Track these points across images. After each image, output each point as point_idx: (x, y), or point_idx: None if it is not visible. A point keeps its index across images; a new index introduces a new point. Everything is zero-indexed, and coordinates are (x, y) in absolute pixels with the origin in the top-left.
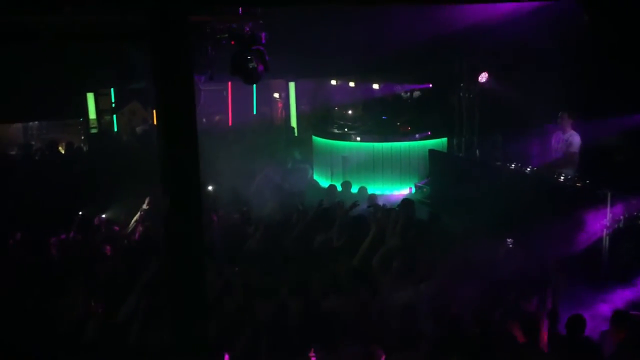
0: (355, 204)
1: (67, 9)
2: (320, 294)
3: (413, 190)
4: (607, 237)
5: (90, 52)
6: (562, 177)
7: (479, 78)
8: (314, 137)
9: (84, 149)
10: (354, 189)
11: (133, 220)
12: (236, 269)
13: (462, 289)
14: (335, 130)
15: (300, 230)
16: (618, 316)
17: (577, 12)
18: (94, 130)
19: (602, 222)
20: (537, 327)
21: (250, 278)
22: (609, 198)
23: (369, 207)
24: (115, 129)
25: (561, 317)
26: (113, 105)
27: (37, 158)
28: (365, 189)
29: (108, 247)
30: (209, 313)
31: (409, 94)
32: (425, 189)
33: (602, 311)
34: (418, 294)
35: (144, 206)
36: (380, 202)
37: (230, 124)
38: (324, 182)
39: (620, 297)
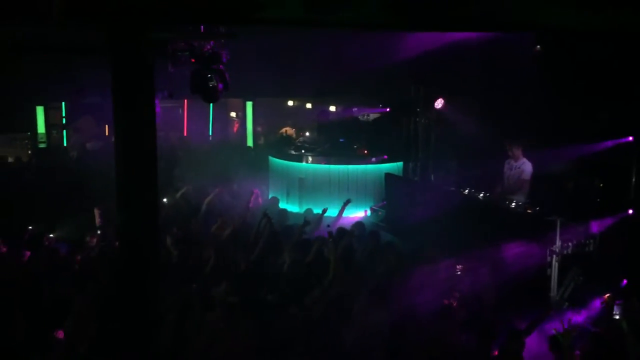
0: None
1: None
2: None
3: (369, 213)
4: (556, 264)
5: (42, 65)
6: (513, 204)
7: (435, 104)
8: (270, 158)
9: (32, 163)
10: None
11: (89, 239)
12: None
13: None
14: (292, 152)
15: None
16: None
17: (532, 43)
18: (42, 145)
19: (551, 248)
20: None
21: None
22: (558, 225)
23: (328, 226)
24: (65, 144)
25: None
26: (64, 120)
27: None
28: (311, 210)
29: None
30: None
31: (366, 117)
32: (380, 212)
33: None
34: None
35: (97, 222)
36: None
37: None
38: (280, 204)
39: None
